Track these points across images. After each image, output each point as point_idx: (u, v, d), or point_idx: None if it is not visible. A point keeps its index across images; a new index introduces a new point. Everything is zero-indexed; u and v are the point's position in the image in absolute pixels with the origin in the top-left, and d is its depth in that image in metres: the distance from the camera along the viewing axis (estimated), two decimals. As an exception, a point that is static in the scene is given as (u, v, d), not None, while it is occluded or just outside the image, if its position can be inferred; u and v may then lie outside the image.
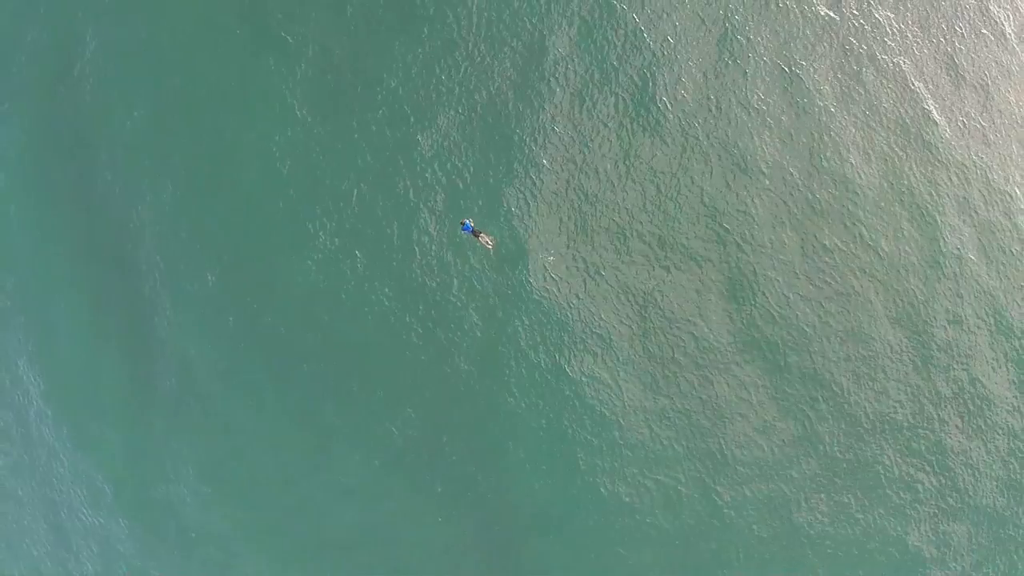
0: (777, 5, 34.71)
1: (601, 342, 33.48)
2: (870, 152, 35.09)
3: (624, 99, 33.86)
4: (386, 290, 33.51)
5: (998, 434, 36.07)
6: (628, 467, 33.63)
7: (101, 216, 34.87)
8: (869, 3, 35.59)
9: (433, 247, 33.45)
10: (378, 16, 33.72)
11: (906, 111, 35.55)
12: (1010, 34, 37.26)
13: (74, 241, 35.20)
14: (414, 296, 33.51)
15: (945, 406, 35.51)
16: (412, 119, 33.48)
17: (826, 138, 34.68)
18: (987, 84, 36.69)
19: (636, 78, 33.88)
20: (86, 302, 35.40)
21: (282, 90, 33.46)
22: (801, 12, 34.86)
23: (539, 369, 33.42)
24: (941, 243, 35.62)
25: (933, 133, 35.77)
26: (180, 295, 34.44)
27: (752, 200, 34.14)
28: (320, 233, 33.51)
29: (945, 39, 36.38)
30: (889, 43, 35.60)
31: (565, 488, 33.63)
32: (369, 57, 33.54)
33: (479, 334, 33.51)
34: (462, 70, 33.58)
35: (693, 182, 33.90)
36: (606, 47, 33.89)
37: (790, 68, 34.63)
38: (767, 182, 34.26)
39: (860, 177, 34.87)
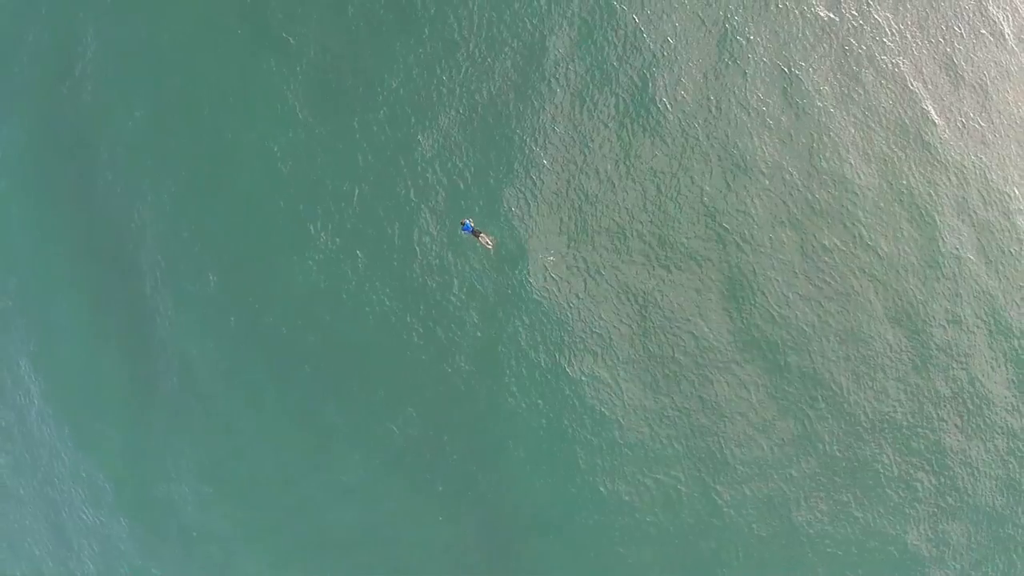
0: (776, 6, 34.80)
1: (601, 342, 33.55)
2: (869, 152, 35.18)
3: (624, 99, 33.93)
4: (387, 290, 33.57)
5: (997, 433, 36.15)
6: (628, 466, 33.69)
7: (102, 216, 34.87)
8: (868, 4, 35.68)
9: (434, 247, 33.51)
10: (379, 16, 33.77)
11: (905, 111, 35.64)
12: (1009, 35, 37.34)
13: (75, 241, 35.20)
14: (414, 296, 33.56)
15: (944, 406, 35.60)
16: (413, 119, 33.55)
17: (825, 138, 34.77)
18: (986, 84, 36.78)
19: (636, 78, 33.96)
20: (87, 302, 35.39)
21: (283, 90, 33.50)
22: (800, 13, 34.95)
23: (539, 369, 33.49)
24: (940, 243, 35.70)
25: (932, 133, 35.86)
26: (181, 295, 34.46)
27: (752, 200, 34.22)
28: (321, 233, 33.56)
29: (944, 39, 36.47)
30: (888, 44, 35.70)
31: (565, 487, 33.69)
32: (370, 57, 33.59)
33: (479, 334, 33.57)
34: (463, 70, 33.63)
35: (693, 182, 33.98)
36: (606, 48, 33.96)
37: (789, 69, 34.72)
38: (767, 182, 34.35)
39: (859, 177, 34.96)
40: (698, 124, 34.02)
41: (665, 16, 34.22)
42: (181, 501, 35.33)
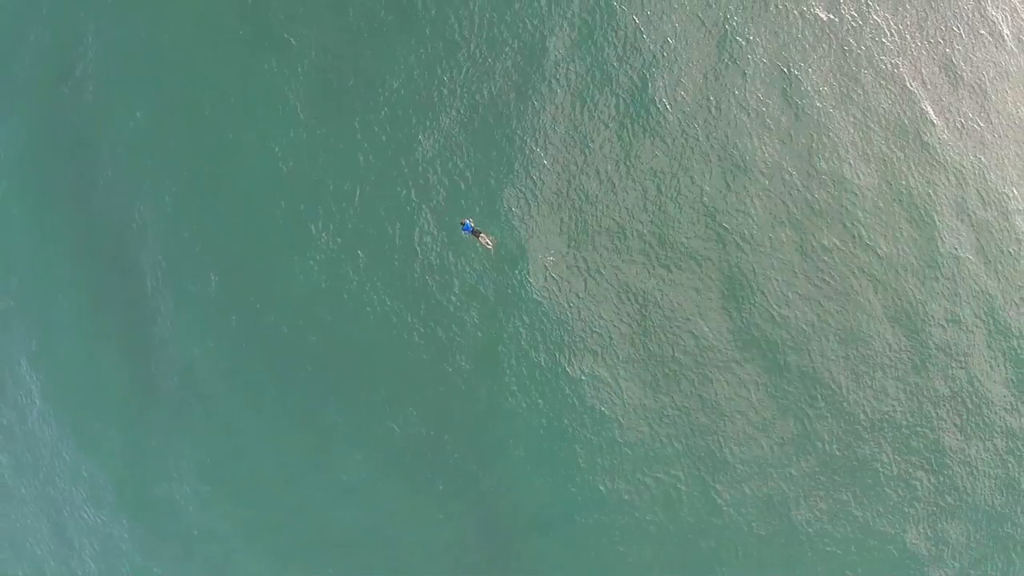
0: (776, 7, 34.90)
1: (601, 341, 33.63)
2: (868, 152, 35.30)
3: (624, 100, 34.02)
4: (387, 290, 33.61)
5: (996, 433, 36.27)
6: (628, 465, 33.78)
7: (103, 216, 34.89)
8: (867, 5, 35.80)
9: (434, 247, 33.56)
10: (380, 17, 33.81)
11: (904, 112, 35.76)
12: (1007, 35, 37.48)
13: (76, 241, 35.21)
14: (415, 296, 33.62)
15: (943, 405, 35.71)
16: (414, 119, 33.60)
17: (825, 139, 34.88)
18: (984, 85, 36.91)
19: (636, 79, 34.05)
20: (88, 302, 35.40)
21: (284, 90, 33.54)
22: (800, 14, 35.06)
23: (539, 368, 33.56)
24: (939, 243, 35.82)
25: (931, 133, 35.99)
26: (182, 295, 34.48)
27: (751, 200, 34.33)
28: (322, 233, 33.60)
29: (943, 40, 36.60)
30: (887, 44, 35.81)
31: (565, 486, 33.76)
32: (371, 58, 33.64)
33: (480, 333, 33.63)
34: (464, 71, 33.70)
35: (693, 182, 34.07)
36: (606, 48, 34.05)
37: (789, 69, 34.83)
38: (766, 182, 34.45)
39: (859, 177, 35.07)
40: (698, 124, 34.12)
41: (665, 17, 34.31)
42: (182, 501, 35.35)
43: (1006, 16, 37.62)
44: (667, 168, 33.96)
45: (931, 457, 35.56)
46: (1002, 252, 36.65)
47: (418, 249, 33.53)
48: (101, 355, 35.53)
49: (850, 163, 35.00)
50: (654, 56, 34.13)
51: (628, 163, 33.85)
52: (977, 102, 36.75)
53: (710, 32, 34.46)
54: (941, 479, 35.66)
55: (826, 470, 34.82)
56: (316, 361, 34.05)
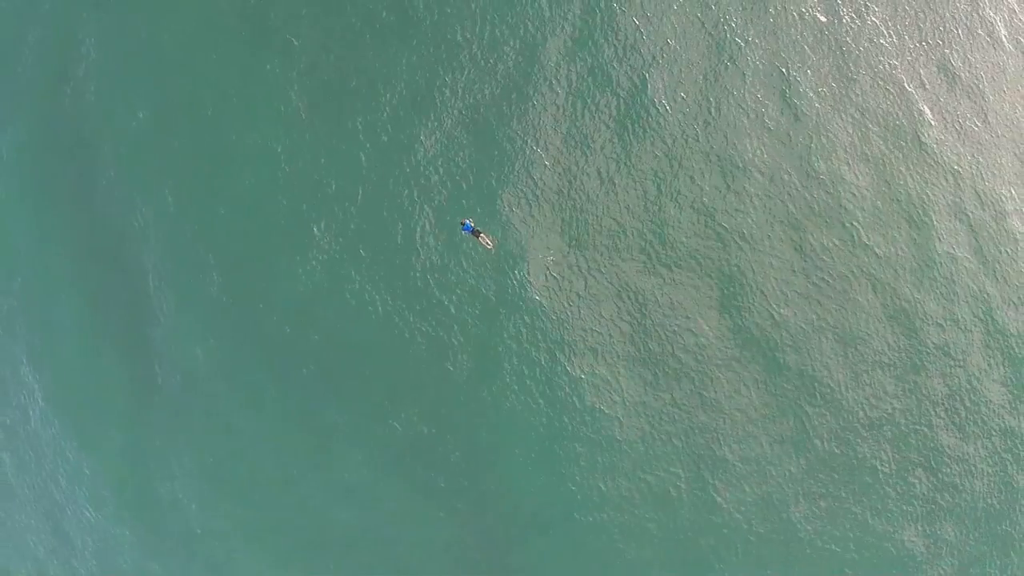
0: (775, 9, 35.07)
1: (601, 340, 33.74)
2: (866, 153, 35.50)
3: (625, 100, 34.15)
4: (389, 290, 33.67)
5: (993, 432, 36.48)
6: (627, 463, 33.91)
7: (105, 216, 34.91)
8: (865, 7, 35.99)
9: (435, 247, 33.64)
10: (382, 17, 33.88)
11: (901, 113, 35.98)
12: (1004, 37, 37.72)
13: (78, 241, 35.23)
14: (416, 295, 33.69)
15: (941, 404, 35.91)
16: (415, 120, 33.68)
17: (823, 139, 35.07)
18: (982, 86, 37.15)
19: (636, 80, 34.19)
20: (90, 302, 35.43)
21: (286, 91, 33.59)
22: (799, 16, 35.24)
23: (539, 367, 33.66)
24: (936, 243, 36.03)
25: (928, 134, 36.21)
26: (183, 295, 34.51)
27: (750, 200, 34.49)
28: (324, 234, 33.64)
29: (941, 41, 36.83)
30: (885, 46, 36.02)
31: (565, 485, 33.86)
32: (372, 58, 33.72)
33: (480, 333, 33.71)
34: (465, 71, 33.78)
35: (693, 182, 34.22)
36: (607, 49, 34.18)
37: (787, 71, 35.00)
38: (765, 182, 34.61)
39: (857, 178, 35.27)
40: (697, 125, 34.29)
41: (665, 18, 34.46)
42: (183, 500, 35.39)
43: (1003, 17, 37.90)
44: (667, 168, 34.11)
45: (929, 456, 35.74)
46: (999, 252, 36.88)
47: (419, 249, 33.61)
48: (103, 355, 35.58)
49: (848, 164, 35.20)
50: (654, 57, 34.28)
51: (628, 163, 33.98)
52: (974, 103, 36.98)
53: (710, 33, 34.63)
54: (939, 477, 35.84)
55: (825, 468, 34.99)
56: (317, 361, 34.11)
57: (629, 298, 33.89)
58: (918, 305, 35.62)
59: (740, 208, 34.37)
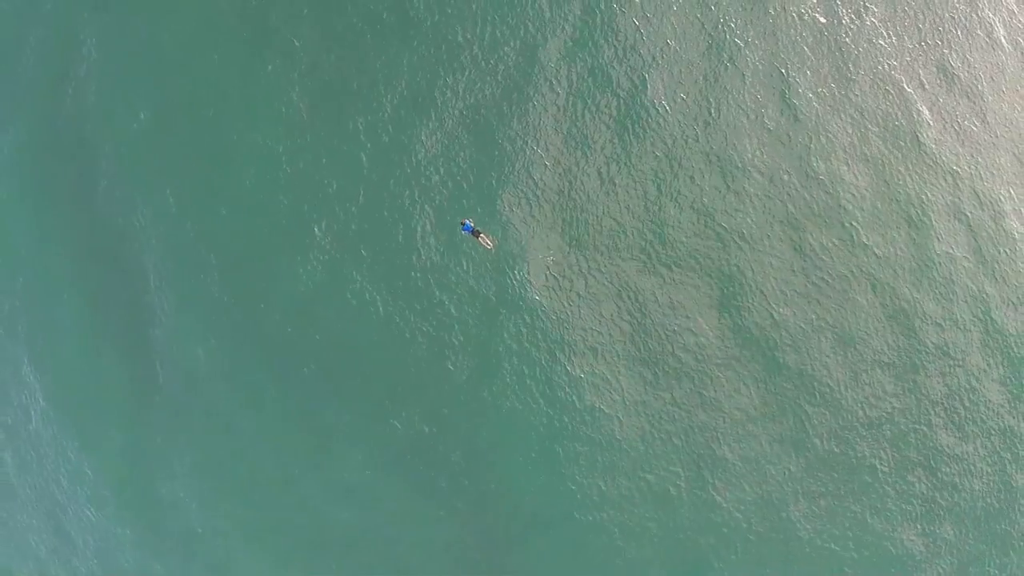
0: (774, 10, 35.15)
1: (601, 340, 33.80)
2: (865, 154, 35.58)
3: (624, 101, 34.22)
4: (389, 289, 33.71)
5: (992, 431, 36.56)
6: (627, 463, 33.97)
7: (106, 216, 34.94)
8: (863, 8, 36.08)
9: (435, 247, 33.69)
10: (382, 18, 33.93)
11: (900, 113, 36.07)
12: (1003, 37, 37.82)
13: (79, 242, 35.28)
14: (416, 295, 33.73)
15: (940, 404, 35.99)
16: (416, 120, 33.73)
17: (822, 140, 35.16)
18: (980, 87, 37.25)
19: (636, 80, 34.26)
20: (91, 302, 35.48)
21: (286, 91, 33.64)
22: (797, 17, 35.33)
23: (539, 367, 33.71)
24: (935, 243, 36.12)
25: (927, 135, 36.30)
26: (184, 295, 34.55)
27: (750, 200, 34.57)
28: (325, 234, 33.69)
29: (940, 42, 36.92)
30: (883, 47, 36.11)
31: (565, 484, 33.90)
32: (373, 59, 33.76)
33: (480, 333, 33.76)
34: (466, 72, 33.83)
35: (692, 182, 34.30)
36: (607, 50, 34.25)
37: (786, 72, 35.09)
38: (764, 183, 34.69)
39: (856, 178, 35.35)
40: (697, 125, 34.37)
41: (664, 19, 34.54)
42: (183, 500, 35.44)
43: (1002, 18, 38.00)
44: (667, 168, 34.18)
45: (928, 455, 35.82)
46: (997, 252, 36.97)
47: (420, 249, 33.65)
48: (103, 355, 35.63)
49: (847, 164, 35.29)
50: (654, 58, 34.37)
51: (628, 163, 34.06)
52: (973, 103, 37.09)
53: (709, 34, 34.71)
54: (938, 477, 35.92)
55: (824, 468, 35.05)
56: (317, 361, 34.16)
57: (629, 298, 33.96)
58: (917, 305, 35.71)
59: (740, 208, 34.45)
